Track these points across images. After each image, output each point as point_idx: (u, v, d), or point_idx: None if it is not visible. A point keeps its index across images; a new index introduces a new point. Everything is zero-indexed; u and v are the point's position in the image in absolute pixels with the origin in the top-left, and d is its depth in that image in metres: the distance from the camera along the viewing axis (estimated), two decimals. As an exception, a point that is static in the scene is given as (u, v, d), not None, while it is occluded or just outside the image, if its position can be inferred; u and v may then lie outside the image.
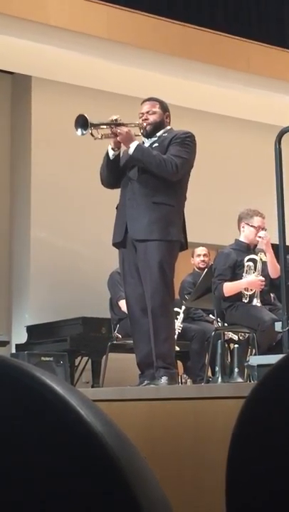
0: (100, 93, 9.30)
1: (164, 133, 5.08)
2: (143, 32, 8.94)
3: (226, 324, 6.45)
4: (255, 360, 5.12)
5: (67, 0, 8.64)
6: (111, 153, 4.99)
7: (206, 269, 6.98)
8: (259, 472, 0.91)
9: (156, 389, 4.38)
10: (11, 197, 9.57)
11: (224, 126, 10.47)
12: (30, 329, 8.67)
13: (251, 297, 6.21)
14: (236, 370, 6.60)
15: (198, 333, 7.33)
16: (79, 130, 4.90)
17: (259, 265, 6.28)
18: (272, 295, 6.49)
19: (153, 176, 4.87)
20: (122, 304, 6.38)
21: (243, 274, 6.29)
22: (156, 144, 5.02)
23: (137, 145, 4.90)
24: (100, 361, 7.76)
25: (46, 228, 9.28)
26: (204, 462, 3.32)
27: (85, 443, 0.81)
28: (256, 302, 6.17)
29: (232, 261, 6.33)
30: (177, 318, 6.93)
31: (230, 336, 7.09)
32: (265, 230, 6.36)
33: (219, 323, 6.50)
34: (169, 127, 5.14)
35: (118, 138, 4.89)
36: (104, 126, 4.92)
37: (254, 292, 6.20)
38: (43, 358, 7.41)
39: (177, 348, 5.81)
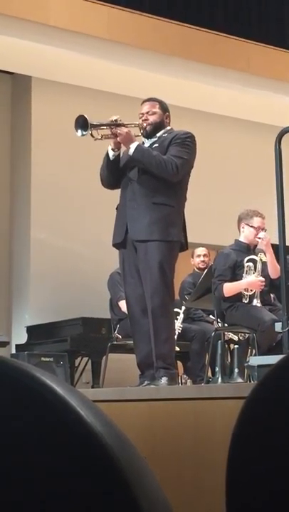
0: (99, 93, 9.30)
1: (164, 133, 5.08)
2: (143, 32, 8.95)
3: (226, 325, 6.45)
4: (255, 360, 5.12)
5: (67, 0, 8.64)
6: (111, 153, 4.99)
7: (206, 270, 6.98)
8: (259, 472, 0.91)
9: (157, 389, 4.38)
10: (11, 197, 9.57)
11: (224, 126, 10.47)
12: (30, 330, 8.67)
13: (251, 298, 6.21)
14: (236, 370, 6.60)
15: (198, 333, 7.33)
16: (79, 131, 4.90)
17: (259, 266, 6.28)
18: (272, 295, 6.49)
19: (153, 176, 4.86)
20: (122, 305, 6.38)
21: (243, 275, 6.29)
22: (157, 145, 5.02)
23: (137, 145, 4.90)
24: (100, 362, 7.76)
25: (46, 228, 9.28)
26: (204, 462, 3.32)
27: (85, 443, 0.81)
28: (256, 302, 6.17)
29: (232, 261, 6.33)
30: (177, 319, 6.93)
31: (230, 336, 7.09)
32: (265, 231, 6.36)
33: (219, 324, 6.50)
34: (169, 127, 5.14)
35: (118, 138, 4.89)
36: (104, 127, 4.92)
37: (254, 293, 6.20)
38: (43, 359, 7.41)
39: (177, 349, 5.81)
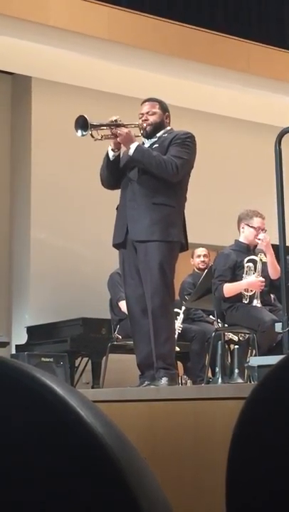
0: (100, 94, 9.30)
1: (164, 133, 5.07)
2: (143, 32, 8.95)
3: (226, 325, 6.45)
4: (255, 360, 5.12)
5: (67, 0, 8.64)
6: (111, 154, 4.99)
7: (206, 270, 6.98)
8: (259, 472, 0.91)
9: (157, 390, 4.38)
10: (11, 197, 9.58)
11: (224, 126, 10.47)
12: (30, 330, 8.67)
13: (251, 298, 6.21)
14: (236, 370, 6.60)
15: (198, 333, 7.33)
16: (79, 131, 4.90)
17: (259, 266, 6.28)
18: (272, 296, 6.49)
19: (153, 176, 4.86)
20: (122, 305, 6.38)
21: (243, 275, 6.29)
22: (157, 145, 5.01)
23: (137, 146, 4.90)
24: (100, 362, 7.76)
25: (46, 228, 9.28)
26: (204, 463, 3.32)
27: (85, 444, 0.81)
28: (256, 303, 6.17)
29: (232, 262, 6.33)
30: (177, 319, 6.93)
31: (230, 336, 7.09)
32: (265, 231, 6.36)
33: (219, 324, 6.50)
34: (169, 128, 5.13)
35: (118, 139, 4.89)
36: (104, 127, 4.92)
37: (254, 293, 6.20)
38: (43, 359, 7.41)
39: (177, 349, 5.81)
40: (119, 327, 7.17)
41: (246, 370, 6.47)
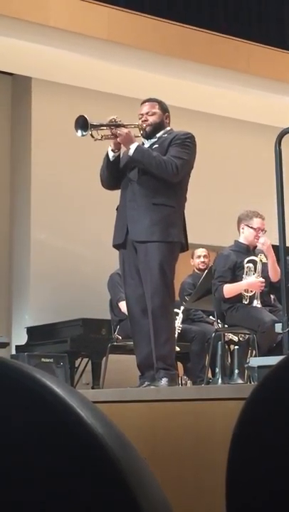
0: (99, 94, 9.30)
1: (164, 134, 5.07)
2: (143, 33, 8.95)
3: (226, 325, 6.45)
4: (255, 361, 5.12)
5: (67, 1, 8.64)
6: (111, 154, 4.99)
7: (206, 271, 6.98)
8: (259, 472, 0.91)
9: (157, 390, 4.38)
10: (11, 197, 9.58)
11: (224, 127, 10.47)
12: (30, 330, 8.67)
13: (251, 298, 6.21)
14: (236, 371, 6.60)
15: (198, 334, 7.33)
16: (79, 131, 4.90)
17: (259, 266, 6.29)
18: (272, 296, 6.49)
19: (153, 177, 4.86)
20: (122, 305, 6.38)
21: (243, 276, 6.29)
22: (156, 145, 5.01)
23: (137, 146, 4.90)
24: (100, 362, 7.75)
25: (46, 229, 9.28)
26: (204, 463, 3.32)
27: (85, 444, 0.82)
28: (256, 303, 6.17)
29: (232, 262, 6.33)
30: (176, 319, 6.93)
31: (230, 337, 7.09)
32: (265, 232, 6.36)
33: (219, 325, 6.50)
34: (168, 128, 5.13)
35: (118, 139, 4.89)
36: (104, 128, 4.92)
37: (254, 293, 6.20)
38: (43, 360, 7.41)
39: (177, 349, 5.81)
40: (119, 327, 7.17)
41: (246, 371, 6.47)
